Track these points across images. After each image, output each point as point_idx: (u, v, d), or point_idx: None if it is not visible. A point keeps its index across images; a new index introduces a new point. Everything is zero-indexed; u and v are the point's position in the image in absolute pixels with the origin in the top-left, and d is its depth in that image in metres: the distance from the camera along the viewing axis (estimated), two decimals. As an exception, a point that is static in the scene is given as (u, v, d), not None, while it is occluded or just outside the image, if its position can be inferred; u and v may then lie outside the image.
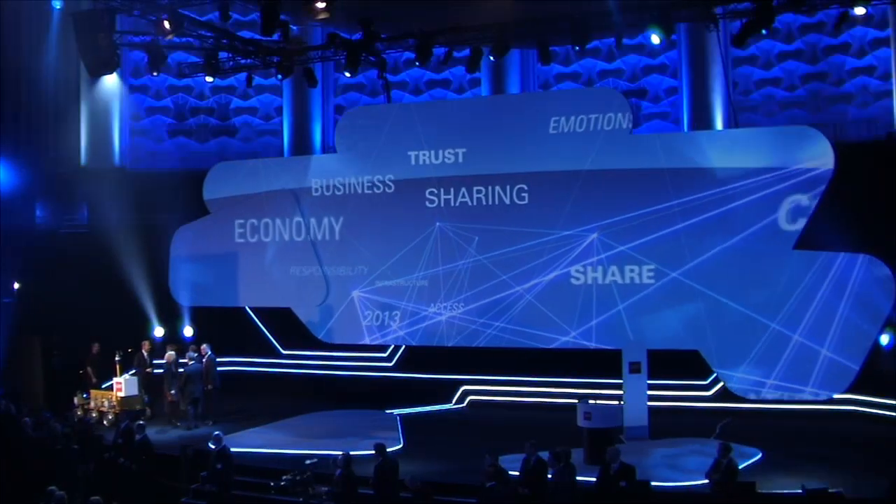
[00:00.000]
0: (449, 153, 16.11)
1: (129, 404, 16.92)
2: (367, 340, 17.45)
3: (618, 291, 15.72)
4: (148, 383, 17.78)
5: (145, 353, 18.10)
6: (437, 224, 16.14)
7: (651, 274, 15.30)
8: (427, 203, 17.21)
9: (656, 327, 15.65)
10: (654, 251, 15.77)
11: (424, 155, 16.34)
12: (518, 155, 17.30)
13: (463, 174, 17.29)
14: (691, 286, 16.06)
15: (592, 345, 15.96)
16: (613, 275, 15.54)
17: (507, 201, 16.56)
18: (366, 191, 16.89)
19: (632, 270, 15.38)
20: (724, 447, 11.19)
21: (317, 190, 17.05)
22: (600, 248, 15.71)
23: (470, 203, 16.83)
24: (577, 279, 15.53)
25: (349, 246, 17.57)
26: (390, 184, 16.73)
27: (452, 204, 16.88)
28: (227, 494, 12.46)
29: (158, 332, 19.83)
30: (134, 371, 17.71)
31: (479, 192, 16.75)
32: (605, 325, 15.80)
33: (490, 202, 16.71)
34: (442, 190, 16.76)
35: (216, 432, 13.12)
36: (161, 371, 17.60)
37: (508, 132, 17.50)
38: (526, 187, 16.65)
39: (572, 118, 15.77)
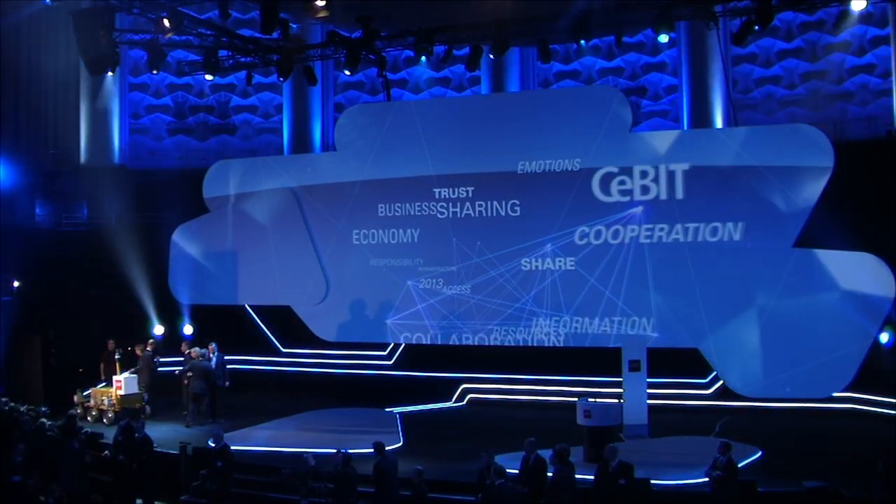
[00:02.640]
0: (462, 190, 18.05)
1: (129, 402, 16.91)
2: (419, 307, 18.54)
3: (556, 273, 17.44)
4: (151, 382, 17.77)
5: (150, 351, 18.06)
6: (454, 240, 18.10)
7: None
8: (438, 215, 18.25)
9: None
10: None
11: (445, 192, 18.21)
12: (516, 156, 17.40)
13: (466, 174, 17.98)
14: (688, 281, 16.23)
15: (543, 311, 17.36)
16: (548, 264, 17.50)
17: (503, 213, 17.70)
18: (417, 213, 18.47)
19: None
20: (723, 445, 11.19)
21: (381, 211, 18.64)
22: (549, 248, 17.53)
23: (473, 215, 17.93)
24: (525, 266, 17.54)
25: (418, 246, 18.75)
26: (434, 208, 18.52)
27: (459, 216, 18.08)
28: (227, 492, 12.47)
29: (158, 330, 19.83)
30: (137, 368, 17.68)
31: (480, 206, 17.86)
32: (548, 291, 17.47)
33: (489, 214, 17.87)
34: (450, 204, 18.24)
35: (216, 430, 13.12)
36: (184, 368, 17.51)
37: (508, 131, 17.57)
38: (518, 202, 17.55)
39: (534, 162, 17.52)
